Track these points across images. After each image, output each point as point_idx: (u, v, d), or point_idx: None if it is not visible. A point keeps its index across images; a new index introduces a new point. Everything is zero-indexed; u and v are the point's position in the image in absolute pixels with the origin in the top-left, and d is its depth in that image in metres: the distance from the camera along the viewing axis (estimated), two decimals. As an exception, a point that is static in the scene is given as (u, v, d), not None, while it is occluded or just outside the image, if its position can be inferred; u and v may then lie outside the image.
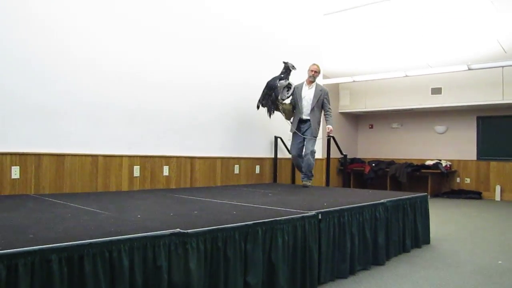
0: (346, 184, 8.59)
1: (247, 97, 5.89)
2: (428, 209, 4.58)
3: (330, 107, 5.65)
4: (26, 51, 3.87)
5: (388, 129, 12.09)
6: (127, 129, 4.61)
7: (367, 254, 3.43)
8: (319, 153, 7.54)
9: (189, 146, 5.25)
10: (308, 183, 5.57)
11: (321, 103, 5.56)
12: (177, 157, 5.09)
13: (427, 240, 4.45)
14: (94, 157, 4.33)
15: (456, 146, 10.81)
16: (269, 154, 6.48)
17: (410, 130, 11.68)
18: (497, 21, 7.32)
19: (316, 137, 5.56)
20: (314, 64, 5.62)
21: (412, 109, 11.03)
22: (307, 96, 5.56)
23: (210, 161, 5.51)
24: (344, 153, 6.67)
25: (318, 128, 5.64)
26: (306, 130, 5.56)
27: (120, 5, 4.56)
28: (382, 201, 3.74)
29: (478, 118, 10.58)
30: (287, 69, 5.48)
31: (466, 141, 10.67)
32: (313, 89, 5.56)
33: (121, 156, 4.54)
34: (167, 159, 4.97)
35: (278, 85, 5.42)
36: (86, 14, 4.28)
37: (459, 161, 10.73)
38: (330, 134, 5.69)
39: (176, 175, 5.08)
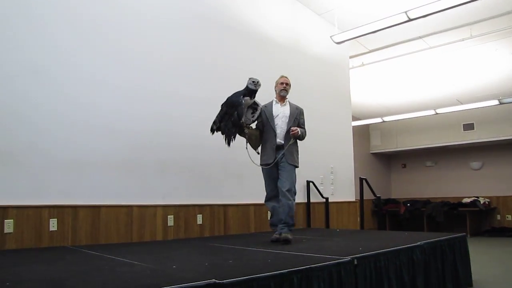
0: (381, 226, 8.44)
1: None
2: (468, 250, 4.44)
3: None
4: (59, 107, 4.01)
5: (422, 168, 11.91)
6: (160, 179, 4.69)
7: (407, 299, 3.33)
8: (351, 195, 7.45)
9: (222, 193, 5.28)
10: (290, 236, 4.07)
11: (297, 124, 4.39)
12: (210, 206, 5.12)
13: (469, 283, 4.28)
14: (129, 207, 4.41)
15: (493, 182, 10.53)
16: (301, 199, 6.43)
17: (444, 167, 11.47)
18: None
19: (296, 166, 4.32)
20: (282, 76, 4.49)
21: (445, 146, 10.88)
22: (281, 114, 4.36)
23: (243, 208, 5.51)
24: (378, 195, 6.57)
25: (297, 157, 4.40)
26: (282, 158, 4.27)
27: (154, 54, 4.74)
28: (419, 243, 3.65)
29: (515, 152, 10.34)
30: (246, 87, 4.13)
31: (504, 176, 10.39)
32: (287, 106, 4.42)
33: (155, 206, 4.60)
34: (200, 208, 5.00)
35: (243, 102, 4.10)
36: (116, 68, 4.47)
37: (498, 197, 10.43)
38: (293, 134, 4.25)
39: (210, 223, 5.10)
